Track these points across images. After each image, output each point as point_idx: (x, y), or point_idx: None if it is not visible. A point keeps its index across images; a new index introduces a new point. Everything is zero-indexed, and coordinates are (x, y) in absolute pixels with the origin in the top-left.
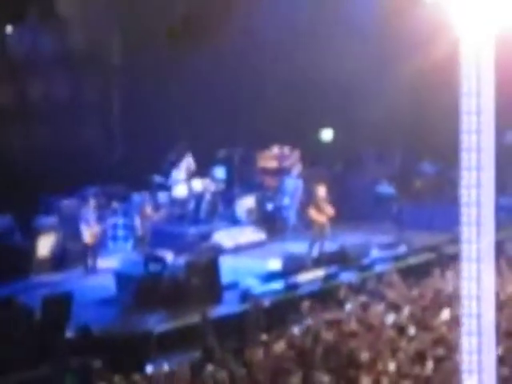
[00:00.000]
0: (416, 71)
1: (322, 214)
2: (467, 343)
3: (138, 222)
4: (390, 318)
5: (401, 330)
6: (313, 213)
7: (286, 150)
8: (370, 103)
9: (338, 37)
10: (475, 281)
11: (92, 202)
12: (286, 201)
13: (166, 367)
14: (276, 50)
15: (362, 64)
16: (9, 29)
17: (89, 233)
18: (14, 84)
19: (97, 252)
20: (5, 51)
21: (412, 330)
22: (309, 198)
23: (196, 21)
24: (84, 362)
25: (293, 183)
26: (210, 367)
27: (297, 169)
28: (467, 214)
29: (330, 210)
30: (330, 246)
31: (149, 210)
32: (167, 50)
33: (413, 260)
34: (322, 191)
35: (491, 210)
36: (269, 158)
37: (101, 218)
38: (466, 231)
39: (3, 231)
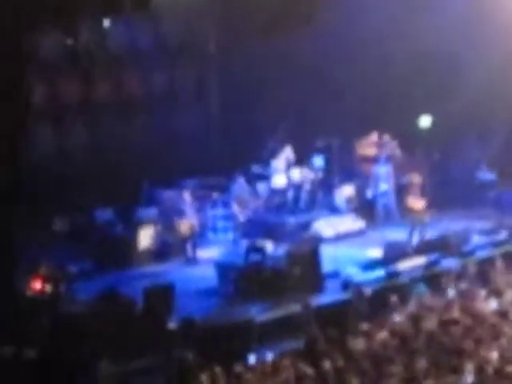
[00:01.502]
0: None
1: (418, 201)
2: None
3: (236, 210)
4: (493, 304)
5: (504, 315)
6: (410, 200)
7: (385, 137)
8: (468, 88)
9: (434, 21)
10: None
11: (187, 194)
12: (383, 187)
13: (269, 357)
14: (374, 35)
15: (459, 47)
16: (106, 22)
17: (185, 224)
18: (112, 76)
19: (195, 243)
20: (103, 44)
21: None
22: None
23: (295, 5)
24: (185, 353)
25: (385, 170)
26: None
27: (392, 155)
28: None
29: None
30: (431, 233)
31: (248, 199)
32: (265, 37)
33: None
34: (416, 178)
35: None
36: (367, 146)
37: (199, 210)
38: None
39: (105, 223)
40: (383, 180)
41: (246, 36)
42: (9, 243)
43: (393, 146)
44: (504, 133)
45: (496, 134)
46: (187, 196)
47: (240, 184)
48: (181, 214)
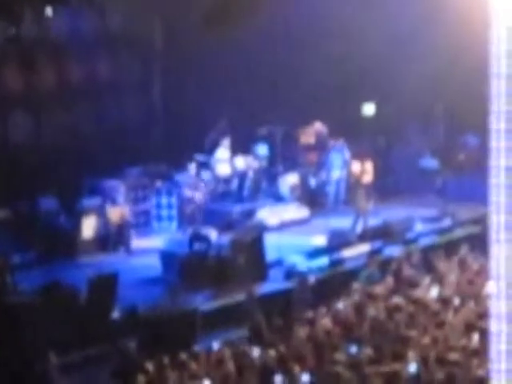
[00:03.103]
0: (458, 40)
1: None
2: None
3: (183, 199)
4: (435, 291)
5: (446, 302)
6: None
7: (328, 125)
8: (411, 76)
9: (376, 8)
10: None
11: (120, 183)
12: (335, 175)
13: (213, 346)
14: (316, 23)
15: (401, 35)
16: (49, 11)
17: (115, 213)
18: (54, 66)
19: (128, 232)
20: (46, 34)
21: (457, 303)
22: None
23: None
24: (129, 342)
25: (339, 157)
26: (257, 345)
27: (340, 142)
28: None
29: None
30: (375, 221)
31: (192, 188)
32: (206, 27)
33: (457, 233)
34: (356, 166)
35: None
36: (310, 134)
37: (142, 198)
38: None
39: (48, 213)
40: (335, 167)
41: (190, 25)
42: None
43: (335, 134)
44: (446, 121)
45: (438, 123)
46: (121, 185)
47: (187, 172)
48: (115, 202)
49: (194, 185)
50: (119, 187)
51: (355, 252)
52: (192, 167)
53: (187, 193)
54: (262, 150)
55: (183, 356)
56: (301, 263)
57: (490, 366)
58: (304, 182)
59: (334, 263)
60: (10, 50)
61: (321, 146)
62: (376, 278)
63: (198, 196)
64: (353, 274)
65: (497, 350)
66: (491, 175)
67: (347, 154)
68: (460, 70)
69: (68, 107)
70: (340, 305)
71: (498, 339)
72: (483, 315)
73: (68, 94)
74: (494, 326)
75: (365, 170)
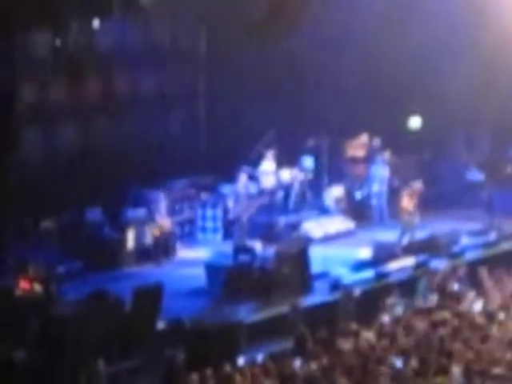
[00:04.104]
0: (505, 50)
1: (411, 203)
2: None
3: (229, 211)
4: (480, 305)
5: (490, 316)
6: (405, 200)
7: (375, 138)
8: (457, 88)
9: (423, 22)
10: None
11: (163, 194)
12: (375, 188)
13: (257, 358)
14: (363, 35)
15: (449, 47)
16: (96, 23)
17: (159, 224)
18: (101, 78)
19: (169, 244)
20: (92, 45)
21: (502, 317)
22: (400, 186)
23: (282, 8)
24: (174, 353)
25: (380, 170)
26: (301, 357)
27: (383, 156)
28: None
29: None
30: (421, 234)
31: (239, 200)
32: (252, 39)
33: (504, 246)
34: (418, 185)
35: None
36: (357, 147)
37: (183, 210)
38: None
39: (94, 223)
40: (376, 181)
41: (236, 36)
42: None
43: (381, 147)
44: (493, 133)
45: (485, 135)
46: (165, 196)
47: (242, 181)
48: (161, 214)
49: (242, 196)
50: (164, 199)
51: (401, 265)
52: (243, 178)
53: (236, 205)
54: (308, 161)
55: (227, 368)
56: (346, 275)
57: None
58: (349, 194)
59: (379, 276)
60: (58, 61)
61: (367, 159)
62: (427, 291)
63: (248, 208)
64: (398, 287)
65: None
66: None
67: (386, 169)
68: (507, 81)
69: (114, 119)
70: (385, 317)
71: None
72: None
73: (114, 105)
74: None
75: (413, 205)
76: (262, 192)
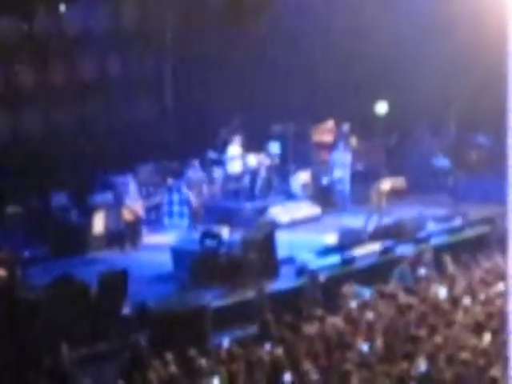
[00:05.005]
0: (469, 42)
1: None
2: None
3: (192, 197)
4: (445, 291)
5: (456, 302)
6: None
7: (344, 123)
8: (424, 75)
9: (391, 10)
10: None
11: (132, 179)
12: (337, 174)
13: (223, 343)
14: (330, 21)
15: (416, 34)
16: (62, 7)
17: (127, 209)
18: (67, 62)
19: (139, 229)
20: (59, 29)
21: (467, 303)
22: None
23: None
24: (139, 338)
25: (341, 156)
26: (266, 342)
27: (347, 142)
28: None
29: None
30: (387, 220)
31: (204, 185)
32: (221, 24)
33: (468, 232)
34: (386, 185)
35: None
36: (324, 132)
37: (150, 195)
38: None
39: (60, 208)
40: (338, 166)
41: (203, 22)
42: None
43: (347, 133)
44: (458, 120)
45: (450, 122)
46: (132, 181)
47: (195, 169)
48: (128, 199)
49: (198, 182)
50: (131, 183)
51: (366, 250)
52: (195, 163)
53: (198, 189)
54: (275, 147)
55: (193, 353)
56: (312, 261)
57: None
58: (316, 179)
59: (345, 261)
60: (23, 46)
61: (333, 144)
62: (408, 278)
63: (203, 193)
64: (363, 272)
65: None
66: (509, 174)
67: (348, 155)
68: (473, 70)
69: (80, 103)
70: (352, 303)
71: None
72: (494, 315)
73: (80, 90)
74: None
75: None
76: (228, 177)
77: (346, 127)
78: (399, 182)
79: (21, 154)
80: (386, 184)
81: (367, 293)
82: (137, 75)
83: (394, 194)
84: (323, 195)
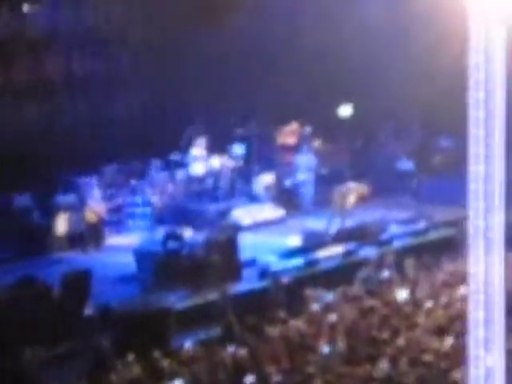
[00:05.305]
0: (431, 45)
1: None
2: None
3: (155, 199)
4: (408, 294)
5: (418, 305)
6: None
7: (305, 126)
8: (388, 78)
9: (354, 12)
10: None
11: (95, 180)
12: (301, 177)
13: (186, 345)
14: (293, 25)
15: (379, 37)
16: (26, 7)
17: (90, 210)
18: (31, 60)
19: (99, 230)
20: (23, 30)
21: (429, 306)
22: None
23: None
24: (102, 339)
25: (305, 160)
26: (229, 344)
27: (311, 145)
28: (475, 190)
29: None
30: (350, 222)
31: (167, 186)
32: (187, 27)
33: (432, 235)
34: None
35: (501, 186)
36: (288, 134)
37: (112, 196)
38: (474, 209)
39: (23, 210)
40: (302, 169)
41: (171, 21)
42: None
43: (311, 135)
44: (422, 123)
45: (414, 125)
46: (96, 182)
47: (158, 170)
48: (91, 200)
49: (167, 182)
50: (94, 184)
51: (330, 253)
52: (157, 165)
53: (154, 191)
54: (238, 149)
55: (156, 354)
56: (275, 263)
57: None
58: (279, 182)
59: (309, 264)
60: None
61: (297, 147)
62: (371, 280)
63: (166, 194)
64: (327, 275)
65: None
66: (470, 180)
67: (312, 158)
68: (436, 73)
69: (44, 102)
70: (314, 305)
71: (476, 344)
72: (456, 318)
73: (44, 88)
74: (472, 329)
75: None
76: (191, 179)
77: (308, 130)
78: (361, 188)
79: None
80: (349, 190)
81: (329, 296)
82: (100, 76)
83: (357, 199)
84: (287, 197)
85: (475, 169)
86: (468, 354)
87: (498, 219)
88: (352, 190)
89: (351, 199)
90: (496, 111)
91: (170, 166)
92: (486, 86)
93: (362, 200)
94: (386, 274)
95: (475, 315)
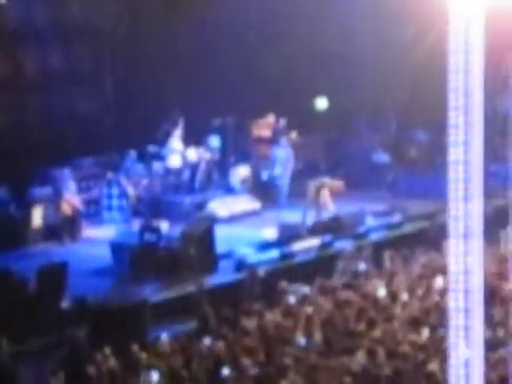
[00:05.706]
0: (408, 38)
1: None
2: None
3: (131, 191)
4: (383, 286)
5: (394, 297)
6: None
7: (280, 119)
8: (363, 70)
9: (330, 4)
10: (462, 256)
11: (70, 173)
12: (277, 170)
13: (163, 337)
14: (268, 16)
15: (354, 29)
16: None
17: (66, 203)
18: (7, 55)
19: (78, 223)
20: None
21: (405, 298)
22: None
23: None
24: (77, 333)
25: (283, 152)
26: (205, 336)
27: (287, 138)
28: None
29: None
30: (326, 215)
31: (143, 179)
32: (161, 18)
33: (407, 228)
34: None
35: (480, 184)
36: (263, 127)
37: (88, 188)
38: (454, 205)
39: None
40: (278, 163)
41: (144, 15)
42: None
43: (287, 128)
44: (397, 116)
45: (390, 118)
46: (72, 174)
47: (134, 162)
48: (67, 193)
49: (144, 174)
50: (70, 177)
51: (306, 245)
52: (132, 156)
53: (136, 182)
54: (215, 141)
55: (132, 347)
56: (251, 256)
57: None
58: (255, 174)
59: (285, 256)
60: None
61: (273, 139)
62: (347, 273)
63: (143, 186)
64: (303, 267)
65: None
66: (450, 169)
67: (289, 151)
68: (412, 65)
69: (19, 96)
70: (291, 298)
71: (456, 333)
72: (431, 310)
73: (19, 82)
74: (451, 318)
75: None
76: (168, 171)
77: (282, 122)
78: (336, 184)
79: None
80: (324, 184)
81: (305, 288)
82: (77, 67)
83: (332, 195)
84: (263, 190)
85: (454, 156)
86: (447, 343)
87: (477, 207)
88: (326, 185)
89: (326, 194)
90: (475, 98)
91: (146, 158)
92: (465, 74)
93: (337, 195)
94: (362, 266)
95: (455, 304)
